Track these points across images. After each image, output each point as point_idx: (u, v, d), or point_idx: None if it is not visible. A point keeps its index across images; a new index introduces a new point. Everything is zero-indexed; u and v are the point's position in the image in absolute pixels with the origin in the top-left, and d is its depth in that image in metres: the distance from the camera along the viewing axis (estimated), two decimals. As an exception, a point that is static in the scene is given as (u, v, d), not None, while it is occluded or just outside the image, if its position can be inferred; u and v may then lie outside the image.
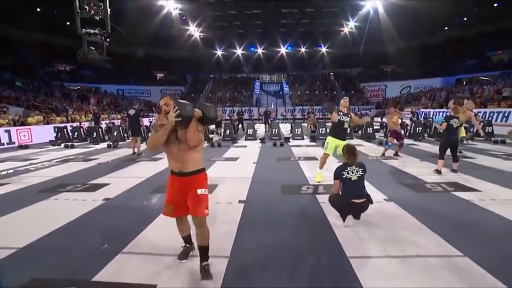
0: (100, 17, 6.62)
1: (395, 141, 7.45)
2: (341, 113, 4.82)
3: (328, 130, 5.55)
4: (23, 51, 27.23)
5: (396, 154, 7.53)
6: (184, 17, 28.74)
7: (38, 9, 23.73)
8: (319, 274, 2.33)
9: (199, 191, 2.27)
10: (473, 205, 3.76)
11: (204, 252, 2.30)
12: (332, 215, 3.40)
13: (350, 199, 3.06)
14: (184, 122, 2.17)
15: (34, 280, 2.27)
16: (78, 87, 30.42)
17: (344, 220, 3.16)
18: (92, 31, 6.45)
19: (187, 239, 2.59)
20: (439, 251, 2.58)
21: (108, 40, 7.14)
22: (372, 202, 3.18)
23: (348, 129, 4.92)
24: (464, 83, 26.71)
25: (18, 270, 2.41)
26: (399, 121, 7.81)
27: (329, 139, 4.95)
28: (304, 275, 2.31)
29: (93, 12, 6.48)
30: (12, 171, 6.63)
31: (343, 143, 4.25)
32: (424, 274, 2.26)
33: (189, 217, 2.37)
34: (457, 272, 2.28)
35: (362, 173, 3.18)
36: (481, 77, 25.66)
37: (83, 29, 6.42)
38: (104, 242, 2.91)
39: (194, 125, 2.22)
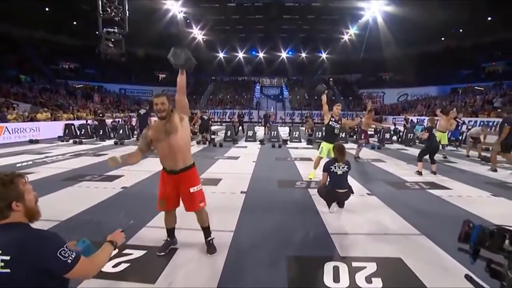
0: (119, 17, 7.22)
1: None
2: (333, 119, 5.40)
3: (323, 134, 6.14)
4: (28, 49, 27.81)
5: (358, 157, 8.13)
6: (188, 20, 29.46)
7: (47, 9, 24.31)
8: (306, 245, 2.95)
9: (191, 190, 2.48)
10: (441, 200, 4.41)
11: (206, 230, 2.71)
12: (321, 204, 4.01)
13: (335, 189, 3.68)
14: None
15: (80, 243, 2.86)
16: (82, 85, 31.01)
17: (329, 207, 3.77)
18: (112, 30, 7.02)
19: (171, 233, 2.76)
20: (402, 231, 3.22)
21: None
22: (353, 192, 3.80)
23: (340, 134, 5.46)
24: (460, 92, 27.53)
25: (64, 235, 2.99)
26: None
27: (323, 144, 5.51)
28: (294, 245, 2.92)
29: (113, 13, 7.09)
30: (31, 162, 7.20)
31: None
32: (388, 246, 2.87)
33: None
34: (414, 245, 2.91)
35: (347, 170, 3.79)
36: (476, 87, 26.47)
37: (104, 28, 7.00)
38: (129, 218, 3.50)
39: (183, 123, 2.41)
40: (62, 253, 1.18)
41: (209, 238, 2.73)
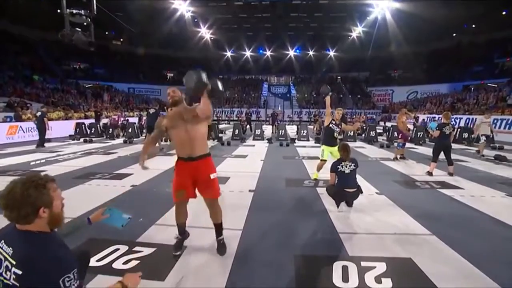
0: None
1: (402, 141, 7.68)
2: (333, 122, 5.31)
3: (323, 137, 5.92)
4: (40, 50, 28.44)
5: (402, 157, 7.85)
6: (196, 20, 29.61)
7: (59, 11, 24.74)
8: (314, 244, 2.93)
9: (212, 176, 2.49)
10: (453, 200, 4.31)
11: (218, 227, 2.68)
12: (329, 203, 3.99)
13: (343, 188, 3.65)
14: (200, 88, 2.14)
15: (91, 240, 2.92)
16: (92, 85, 31.52)
17: (338, 206, 3.74)
18: (75, 11, 6.31)
19: (182, 228, 2.71)
20: (412, 231, 3.17)
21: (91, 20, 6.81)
22: (362, 192, 3.76)
23: (339, 137, 5.39)
24: (472, 89, 26.84)
25: (77, 232, 3.06)
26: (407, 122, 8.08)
27: (323, 147, 5.44)
28: (302, 244, 2.91)
29: None
30: (44, 161, 7.37)
31: (335, 148, 4.90)
32: (398, 246, 2.83)
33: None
34: (425, 245, 2.86)
35: (354, 167, 3.75)
36: (489, 84, 25.75)
37: (67, 9, 6.24)
38: (139, 216, 3.55)
39: (205, 96, 2.19)
40: (65, 281, 1.14)
41: (220, 238, 2.70)
